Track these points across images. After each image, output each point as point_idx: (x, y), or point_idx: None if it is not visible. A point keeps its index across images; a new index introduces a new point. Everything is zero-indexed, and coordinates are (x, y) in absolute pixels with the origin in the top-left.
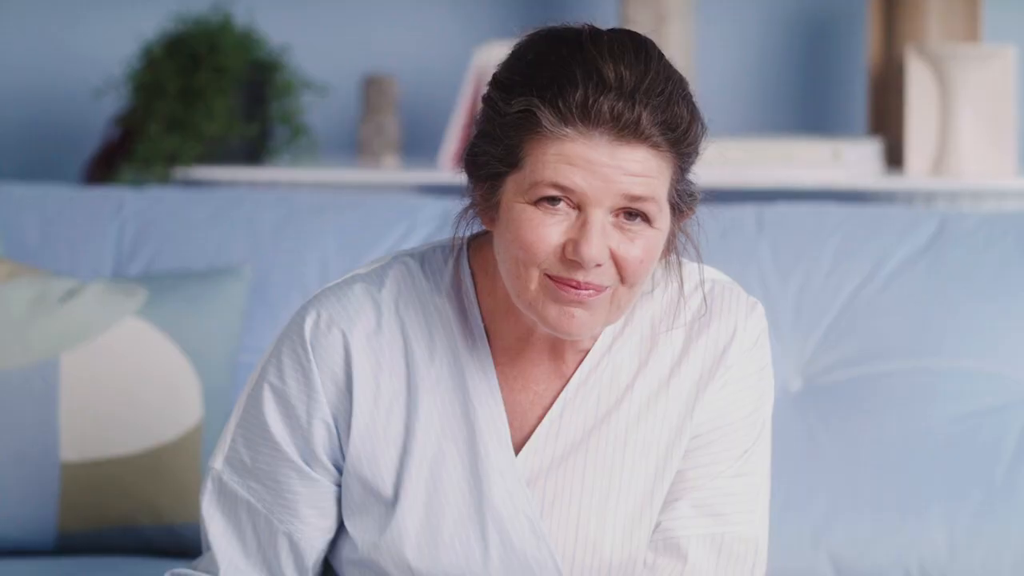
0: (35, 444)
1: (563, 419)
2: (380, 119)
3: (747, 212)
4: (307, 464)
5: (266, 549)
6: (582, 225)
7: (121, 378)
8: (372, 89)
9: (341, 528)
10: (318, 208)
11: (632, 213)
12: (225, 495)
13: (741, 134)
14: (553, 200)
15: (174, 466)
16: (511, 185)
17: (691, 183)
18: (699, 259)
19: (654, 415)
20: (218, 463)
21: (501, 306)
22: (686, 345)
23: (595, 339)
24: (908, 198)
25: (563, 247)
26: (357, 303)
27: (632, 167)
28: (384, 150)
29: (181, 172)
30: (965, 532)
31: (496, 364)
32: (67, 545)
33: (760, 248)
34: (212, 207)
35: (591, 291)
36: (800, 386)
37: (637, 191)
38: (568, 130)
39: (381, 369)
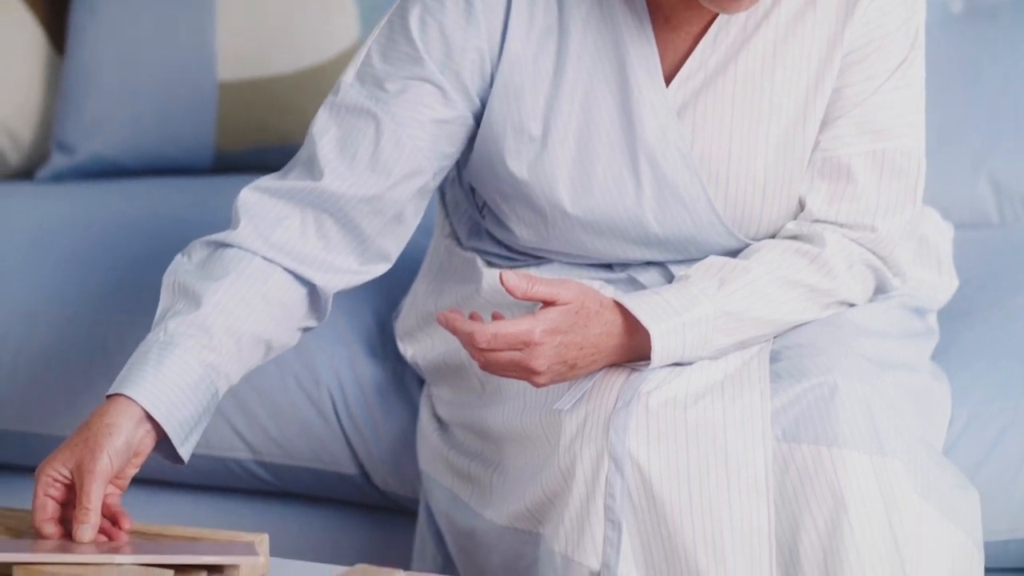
0: (193, 64)
1: (715, 45)
2: None
3: None
4: (446, 80)
5: (380, 160)
6: None
7: None
8: None
9: (489, 161)
10: None
11: None
12: (347, 106)
13: None
14: None
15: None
16: None
17: None
18: None
19: (801, 34)
20: (349, 76)
21: None
22: None
23: None
24: None
25: None
26: None
27: None
28: None
29: None
30: None
31: (650, 5)
32: (224, 164)
33: None
34: None
35: None
36: (961, 7)
37: None
38: None
39: (536, 2)
